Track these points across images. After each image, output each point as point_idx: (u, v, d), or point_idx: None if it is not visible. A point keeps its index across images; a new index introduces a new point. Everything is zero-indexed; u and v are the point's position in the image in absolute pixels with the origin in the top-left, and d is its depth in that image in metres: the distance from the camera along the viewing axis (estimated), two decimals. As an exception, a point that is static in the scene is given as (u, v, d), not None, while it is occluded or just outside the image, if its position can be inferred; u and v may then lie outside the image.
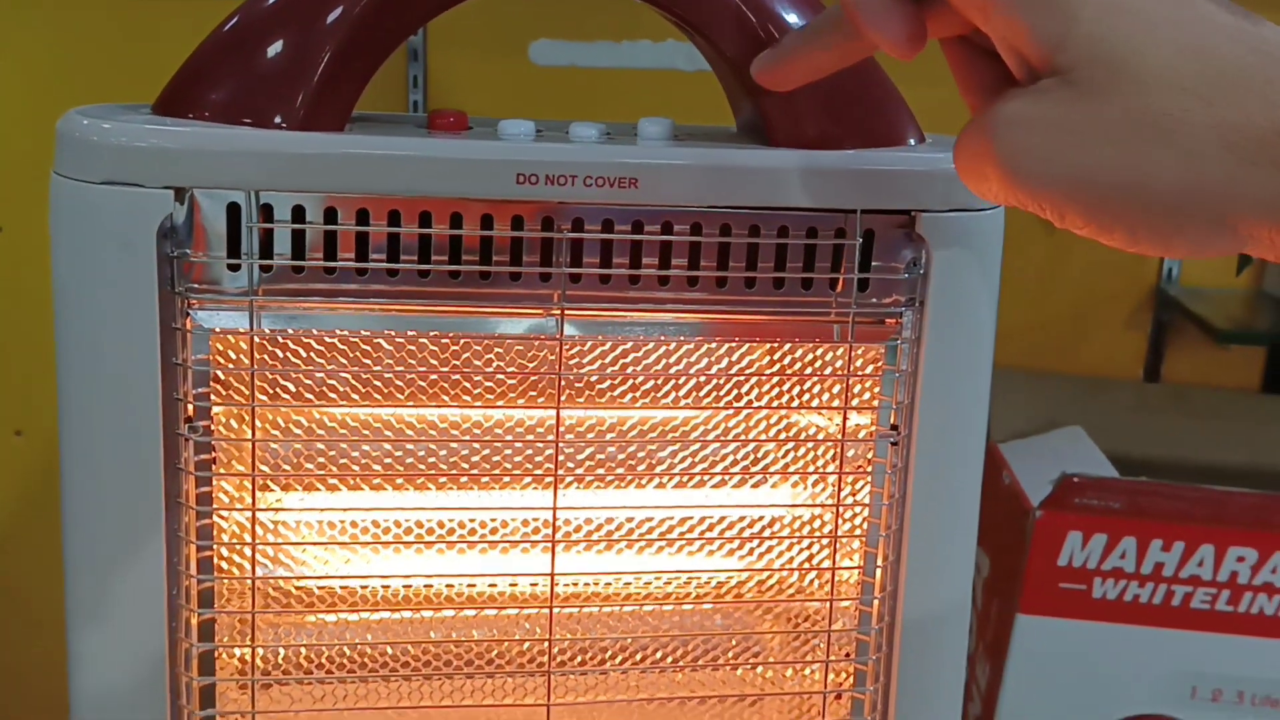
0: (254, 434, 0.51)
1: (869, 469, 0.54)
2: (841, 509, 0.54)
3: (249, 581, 0.52)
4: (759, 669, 0.57)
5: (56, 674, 1.04)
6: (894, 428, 0.53)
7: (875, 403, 0.53)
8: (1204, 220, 0.35)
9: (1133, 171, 0.35)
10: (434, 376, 0.52)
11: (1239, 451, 1.29)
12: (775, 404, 0.54)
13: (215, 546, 0.51)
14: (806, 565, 0.56)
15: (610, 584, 0.55)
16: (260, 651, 0.53)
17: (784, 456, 0.55)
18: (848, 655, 0.55)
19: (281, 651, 0.54)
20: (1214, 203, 0.34)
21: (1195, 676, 1.11)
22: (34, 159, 1.03)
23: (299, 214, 0.49)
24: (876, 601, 0.55)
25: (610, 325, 0.51)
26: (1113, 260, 1.44)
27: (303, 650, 0.54)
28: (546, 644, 0.53)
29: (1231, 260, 1.41)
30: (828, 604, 0.55)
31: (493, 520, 0.54)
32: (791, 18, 0.51)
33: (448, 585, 0.54)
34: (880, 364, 0.53)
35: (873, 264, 0.52)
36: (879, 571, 0.55)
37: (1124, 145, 0.35)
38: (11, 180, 1.04)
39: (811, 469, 0.55)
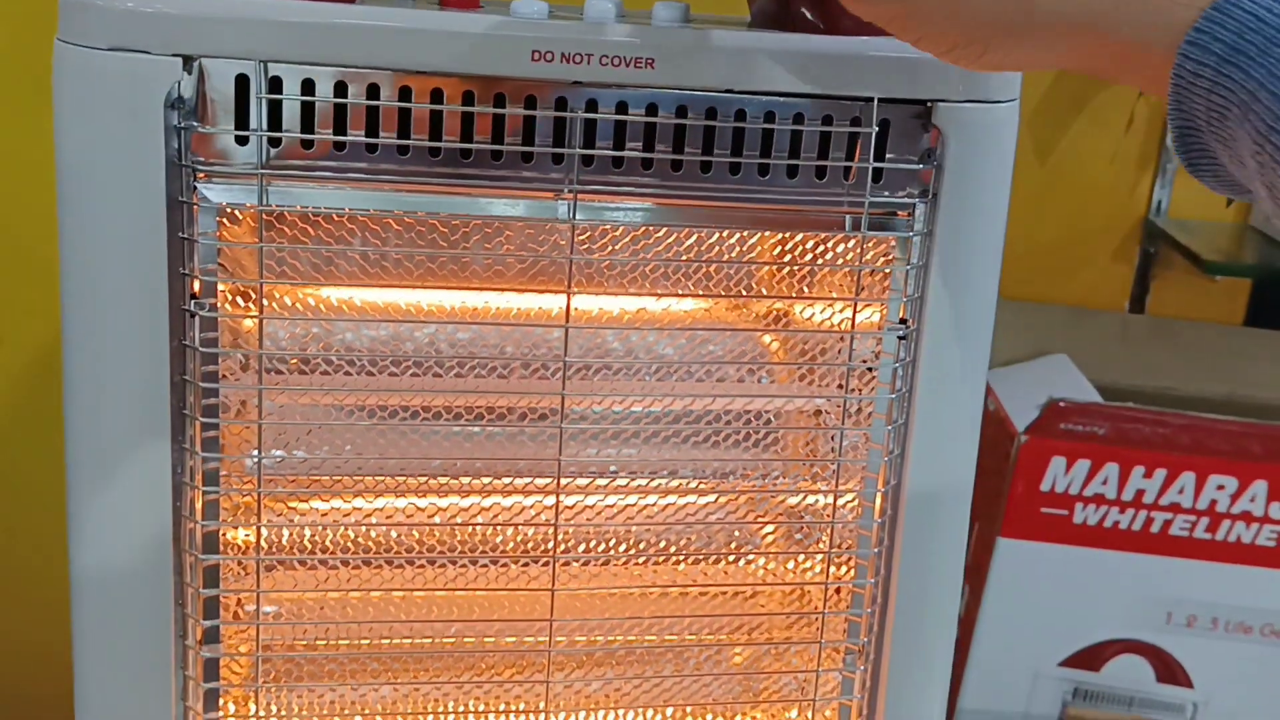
0: (261, 311, 0.50)
1: (876, 363, 0.54)
2: (848, 402, 0.54)
3: (254, 462, 0.52)
4: (760, 560, 0.58)
5: (41, 577, 1.04)
6: (903, 321, 0.53)
7: (884, 295, 0.53)
8: (1009, 29, 0.40)
9: None
10: (443, 258, 0.52)
11: (1222, 383, 1.30)
12: (784, 294, 0.54)
13: (221, 425, 0.50)
14: (812, 458, 0.56)
15: (616, 474, 0.55)
16: (265, 533, 0.53)
17: (791, 349, 0.55)
18: (849, 547, 0.56)
19: (286, 534, 0.54)
20: (1022, 17, 0.40)
21: (1171, 602, 1.13)
22: (14, 62, 1.00)
23: (308, 88, 0.48)
24: (879, 495, 0.55)
25: (621, 209, 0.51)
26: (1101, 192, 1.44)
27: (307, 533, 0.54)
28: (552, 530, 0.54)
29: (1220, 196, 1.41)
30: (831, 495, 0.55)
31: (499, 406, 0.53)
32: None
33: (454, 472, 0.54)
34: (891, 256, 0.53)
35: (887, 154, 0.51)
36: (882, 465, 0.55)
37: None
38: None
39: (819, 363, 0.55)
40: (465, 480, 0.54)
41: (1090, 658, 1.13)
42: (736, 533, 0.57)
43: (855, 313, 0.53)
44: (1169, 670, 1.14)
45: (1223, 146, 0.38)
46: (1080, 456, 1.12)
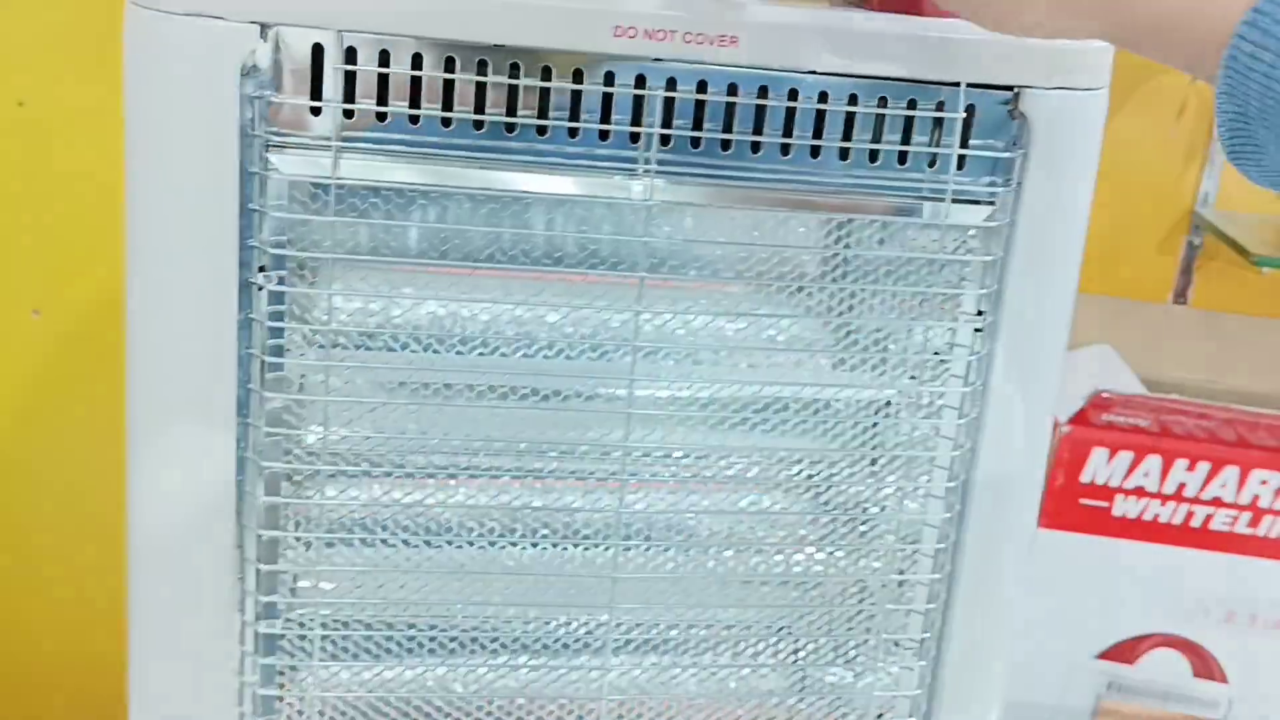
0: (329, 285, 0.50)
1: (950, 354, 0.53)
2: (920, 394, 0.53)
3: (318, 438, 0.51)
4: (823, 551, 0.57)
5: (72, 552, 1.04)
6: (980, 313, 0.52)
7: (962, 285, 0.52)
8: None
9: None
10: (516, 237, 0.51)
11: (1267, 377, 1.28)
12: (859, 282, 0.52)
13: (286, 400, 0.50)
14: (879, 451, 0.55)
15: (683, 458, 0.54)
16: (325, 510, 0.52)
17: (867, 338, 0.54)
18: (914, 541, 0.55)
19: (347, 511, 0.53)
20: None
21: (1209, 597, 1.12)
22: (57, 32, 1.00)
23: (384, 59, 0.47)
24: (947, 489, 0.54)
25: (700, 189, 0.50)
26: (1148, 182, 1.42)
27: (367, 510, 0.53)
28: (616, 515, 0.53)
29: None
30: (898, 487, 0.54)
31: (569, 390, 0.53)
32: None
33: (518, 453, 0.53)
34: (971, 246, 0.52)
35: (972, 141, 0.50)
36: (952, 459, 0.54)
37: None
38: (34, 54, 1.01)
39: (890, 354, 0.54)
40: (527, 461, 0.54)
41: (1126, 651, 1.12)
42: (797, 522, 0.56)
43: (930, 302, 0.52)
44: (1205, 665, 1.13)
45: (1272, 135, 0.36)
46: (1122, 448, 1.11)
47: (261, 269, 0.49)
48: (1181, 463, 1.10)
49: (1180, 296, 1.48)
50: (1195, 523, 1.12)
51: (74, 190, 1.00)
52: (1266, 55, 0.34)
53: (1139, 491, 1.12)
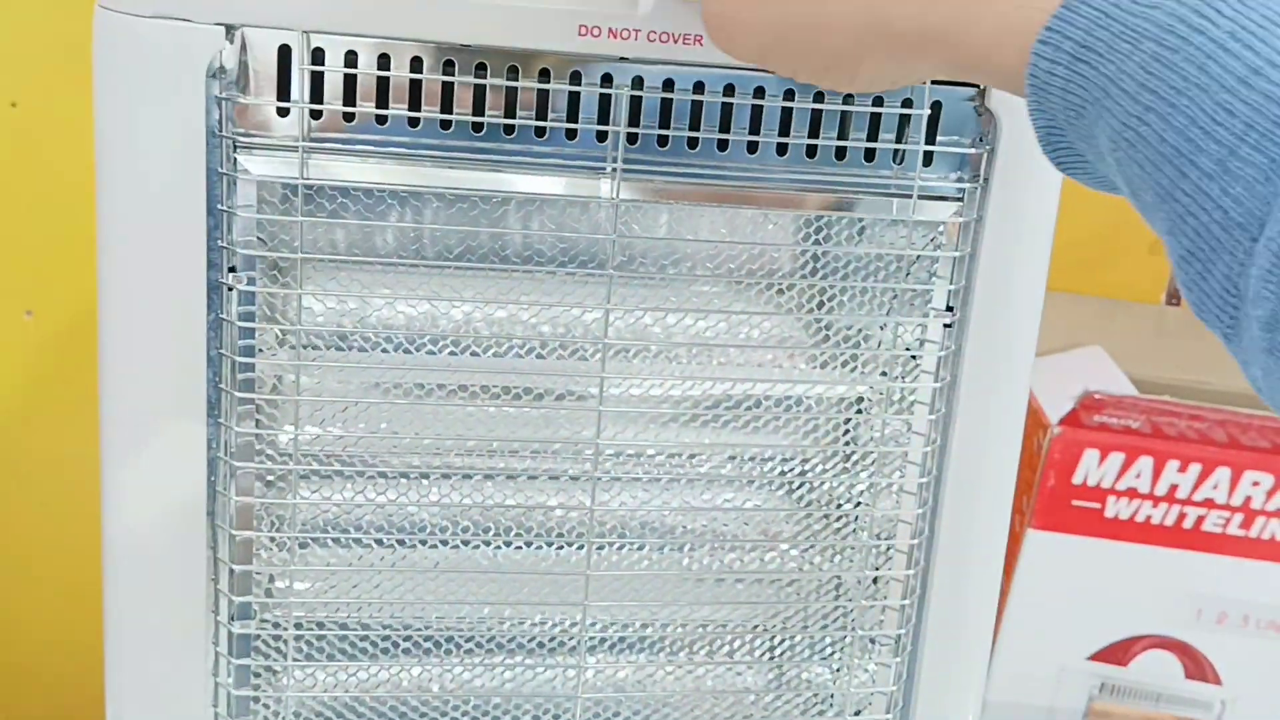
0: (300, 285, 0.50)
1: (920, 351, 0.53)
2: (891, 390, 0.53)
3: (290, 438, 0.51)
4: (796, 548, 0.57)
5: (63, 554, 1.04)
6: (949, 308, 0.52)
7: (931, 282, 0.52)
8: (871, 46, 0.41)
9: (814, 18, 0.42)
10: (482, 236, 0.51)
11: (1258, 378, 1.27)
12: (828, 279, 0.53)
13: (256, 400, 0.50)
14: (852, 447, 0.55)
15: (656, 455, 0.54)
16: (298, 510, 0.53)
17: (836, 335, 0.54)
18: (887, 537, 0.55)
19: (320, 511, 0.53)
20: (878, 34, 0.41)
21: (1201, 599, 1.12)
22: (50, 34, 1.00)
23: (351, 59, 0.47)
24: (920, 485, 0.54)
25: (665, 189, 0.50)
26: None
27: (340, 510, 0.53)
28: (588, 513, 0.53)
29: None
30: (871, 484, 0.54)
31: (536, 387, 0.53)
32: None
33: (490, 452, 0.54)
34: (939, 242, 0.52)
35: (938, 137, 0.50)
36: (924, 455, 0.54)
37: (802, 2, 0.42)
38: (27, 56, 1.01)
39: (864, 349, 0.54)
40: (501, 461, 0.54)
41: (1118, 653, 1.12)
42: (772, 519, 0.57)
43: (901, 299, 0.52)
44: (1198, 667, 1.12)
45: (1085, 143, 0.37)
46: (1114, 449, 1.11)
47: (231, 269, 0.49)
48: (1173, 464, 1.10)
49: (1172, 298, 1.47)
50: (1187, 524, 1.12)
51: (66, 192, 1.00)
52: (1060, 70, 0.36)
53: (1131, 493, 1.12)
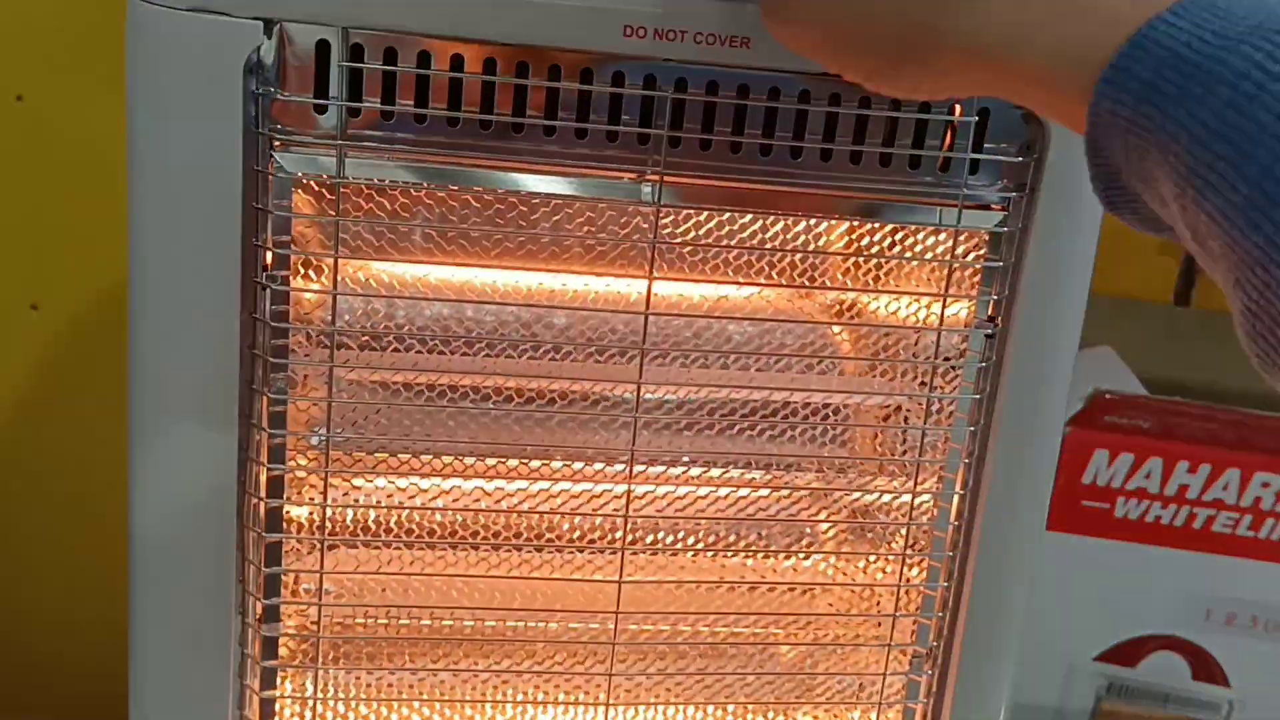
0: (335, 286, 0.49)
1: (961, 361, 0.52)
2: (930, 400, 0.53)
3: (321, 439, 0.51)
4: (830, 557, 0.56)
5: (70, 547, 1.03)
6: (991, 319, 0.52)
7: (974, 292, 0.52)
8: (918, 52, 0.40)
9: (863, 17, 0.41)
10: (521, 238, 0.50)
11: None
12: (872, 286, 0.52)
13: (289, 401, 0.49)
14: (888, 456, 0.55)
15: (689, 465, 0.54)
16: (328, 512, 0.52)
17: (875, 344, 0.53)
18: (922, 548, 0.54)
19: (350, 513, 0.53)
20: (923, 39, 0.40)
21: (1210, 599, 1.11)
22: (55, 26, 0.99)
23: (390, 57, 0.46)
24: (957, 497, 0.54)
25: (709, 193, 0.49)
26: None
27: (371, 513, 0.53)
28: (621, 520, 0.52)
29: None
30: (907, 495, 0.54)
31: (574, 393, 0.52)
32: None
33: (523, 456, 0.53)
34: (983, 251, 0.51)
35: (985, 145, 0.49)
36: (961, 467, 0.53)
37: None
38: (32, 48, 1.00)
39: (901, 358, 0.53)
40: (534, 465, 0.53)
41: (1127, 653, 1.12)
42: (807, 529, 0.56)
43: (943, 308, 0.52)
44: (1206, 668, 1.12)
45: (1144, 186, 0.36)
46: (1123, 450, 1.10)
47: (265, 268, 0.48)
48: (1183, 465, 1.10)
49: (1182, 298, 1.47)
50: (1197, 525, 1.12)
51: (72, 185, 0.99)
52: (1124, 110, 0.35)
53: (1140, 493, 1.11)
